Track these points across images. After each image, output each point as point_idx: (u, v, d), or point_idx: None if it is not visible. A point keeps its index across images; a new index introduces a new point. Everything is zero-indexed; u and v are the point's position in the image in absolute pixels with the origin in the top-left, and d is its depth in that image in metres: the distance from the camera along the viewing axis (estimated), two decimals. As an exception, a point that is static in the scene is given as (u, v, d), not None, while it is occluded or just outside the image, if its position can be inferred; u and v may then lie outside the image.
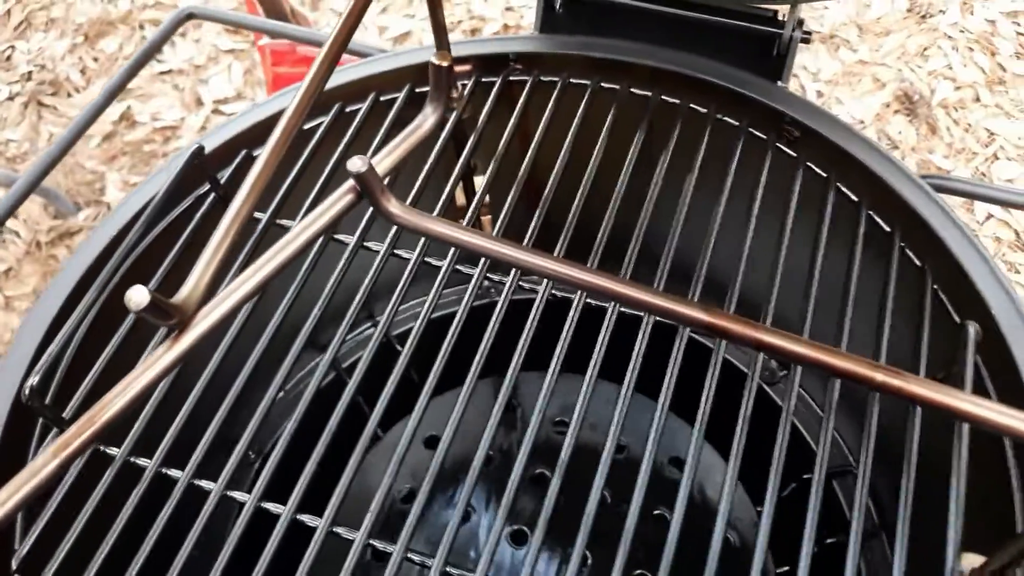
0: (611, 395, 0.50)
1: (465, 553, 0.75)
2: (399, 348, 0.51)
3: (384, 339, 0.53)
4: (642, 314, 0.53)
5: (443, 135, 0.59)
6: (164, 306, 0.32)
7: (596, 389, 0.50)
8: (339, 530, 0.45)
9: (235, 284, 0.35)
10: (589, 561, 0.74)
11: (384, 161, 0.37)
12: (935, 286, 0.51)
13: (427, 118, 0.40)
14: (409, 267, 0.54)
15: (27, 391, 0.45)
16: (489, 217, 0.75)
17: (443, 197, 0.56)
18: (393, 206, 0.36)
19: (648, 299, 0.34)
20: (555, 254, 0.55)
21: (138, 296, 0.31)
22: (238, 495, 0.47)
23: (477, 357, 0.50)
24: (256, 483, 0.47)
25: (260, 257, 0.35)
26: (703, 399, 0.48)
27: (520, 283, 0.54)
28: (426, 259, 0.55)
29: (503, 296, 0.52)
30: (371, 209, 0.55)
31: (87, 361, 0.48)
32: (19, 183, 0.59)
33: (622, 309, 0.53)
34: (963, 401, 0.31)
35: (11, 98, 1.67)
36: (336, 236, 0.56)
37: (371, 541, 0.45)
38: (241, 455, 0.48)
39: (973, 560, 0.44)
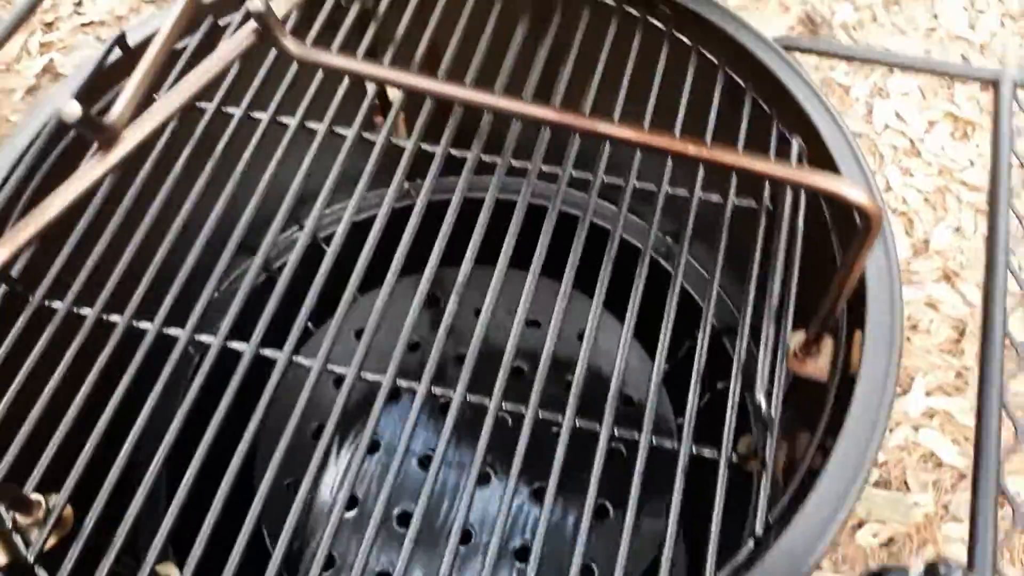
0: (524, 282, 0.55)
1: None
2: (325, 248, 0.55)
3: (312, 241, 0.56)
4: (547, 205, 0.58)
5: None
6: (96, 121, 0.38)
7: (509, 278, 0.55)
8: (299, 359, 0.51)
9: (155, 107, 0.40)
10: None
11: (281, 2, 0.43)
12: (780, 126, 0.59)
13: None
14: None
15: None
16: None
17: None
18: (290, 43, 0.41)
19: (513, 106, 0.40)
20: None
21: (71, 109, 0.36)
22: (205, 338, 0.52)
23: (398, 254, 0.55)
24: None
25: (178, 83, 0.40)
26: (601, 273, 0.54)
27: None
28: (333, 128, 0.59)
29: (421, 197, 0.57)
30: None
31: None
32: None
33: (531, 201, 0.58)
34: (770, 165, 0.39)
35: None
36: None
37: (329, 366, 0.51)
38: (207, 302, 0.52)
39: (802, 338, 0.52)
